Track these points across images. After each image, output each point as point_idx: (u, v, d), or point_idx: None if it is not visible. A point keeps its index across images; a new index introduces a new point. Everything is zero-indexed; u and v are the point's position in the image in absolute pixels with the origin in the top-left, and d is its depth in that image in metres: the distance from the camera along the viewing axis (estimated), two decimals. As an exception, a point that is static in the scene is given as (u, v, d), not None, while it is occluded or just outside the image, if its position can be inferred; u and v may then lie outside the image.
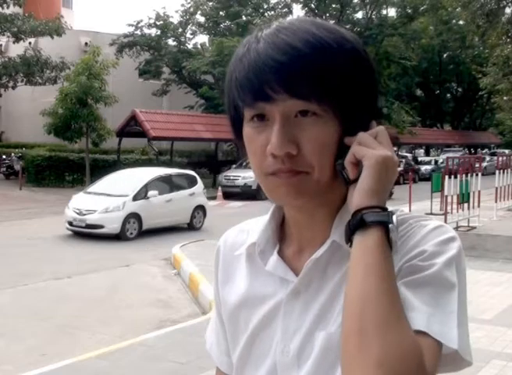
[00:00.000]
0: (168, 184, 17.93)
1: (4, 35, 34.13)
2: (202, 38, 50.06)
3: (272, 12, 43.20)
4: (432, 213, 16.24)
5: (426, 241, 1.05)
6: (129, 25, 40.63)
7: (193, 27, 43.54)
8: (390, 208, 1.05)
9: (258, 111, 1.06)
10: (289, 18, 1.10)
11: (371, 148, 1.03)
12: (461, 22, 48.65)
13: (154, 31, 41.11)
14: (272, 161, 1.05)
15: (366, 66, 1.09)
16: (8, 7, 32.96)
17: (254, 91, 1.04)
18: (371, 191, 1.01)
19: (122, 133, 29.00)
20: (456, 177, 13.44)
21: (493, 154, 50.72)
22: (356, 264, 0.98)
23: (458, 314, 1.01)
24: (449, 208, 13.26)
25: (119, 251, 13.78)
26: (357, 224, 1.00)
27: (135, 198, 16.37)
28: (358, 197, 1.02)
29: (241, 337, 1.21)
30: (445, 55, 55.71)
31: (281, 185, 1.07)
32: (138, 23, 40.57)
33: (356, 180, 1.04)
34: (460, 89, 60.83)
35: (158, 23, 40.72)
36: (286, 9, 43.60)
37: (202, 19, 43.22)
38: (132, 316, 8.87)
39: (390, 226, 0.99)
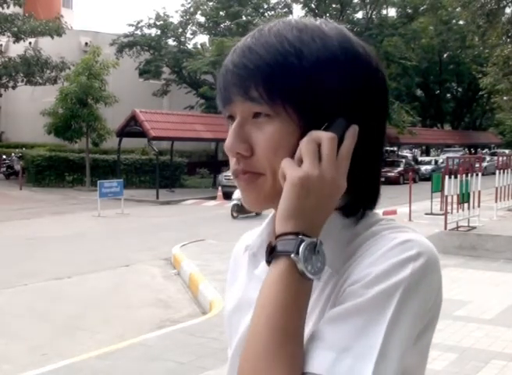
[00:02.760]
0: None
1: (4, 35, 34.18)
2: (202, 38, 50.16)
3: (272, 12, 43.22)
4: (432, 213, 16.28)
5: (382, 260, 0.94)
6: (130, 25, 40.70)
7: (194, 27, 43.62)
8: (374, 214, 1.05)
9: (228, 112, 1.06)
10: (287, 18, 1.07)
11: (292, 166, 0.96)
12: (461, 22, 48.62)
13: (154, 31, 41.19)
14: (232, 161, 1.05)
15: (348, 72, 1.01)
16: (8, 7, 33.00)
17: (221, 94, 1.05)
18: (285, 215, 0.94)
19: (122, 133, 29.00)
20: (456, 177, 13.44)
21: (493, 154, 50.78)
22: (259, 293, 0.94)
23: (382, 348, 0.89)
24: (449, 208, 13.25)
25: (119, 251, 13.77)
26: (268, 252, 0.95)
27: None
28: (277, 221, 0.96)
29: (233, 340, 1.19)
30: (445, 55, 55.72)
31: (243, 190, 1.05)
32: (138, 23, 40.63)
33: None
34: (460, 89, 60.86)
35: (158, 23, 40.76)
36: (286, 9, 43.65)
37: (202, 19, 43.28)
38: (132, 316, 8.87)
39: (292, 256, 0.91)
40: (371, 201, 1.09)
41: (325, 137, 0.96)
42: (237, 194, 17.18)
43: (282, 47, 0.99)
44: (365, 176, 1.06)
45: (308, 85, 0.98)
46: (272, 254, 0.94)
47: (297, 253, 0.91)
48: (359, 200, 1.06)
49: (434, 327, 1.04)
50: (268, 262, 0.95)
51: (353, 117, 1.00)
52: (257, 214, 15.41)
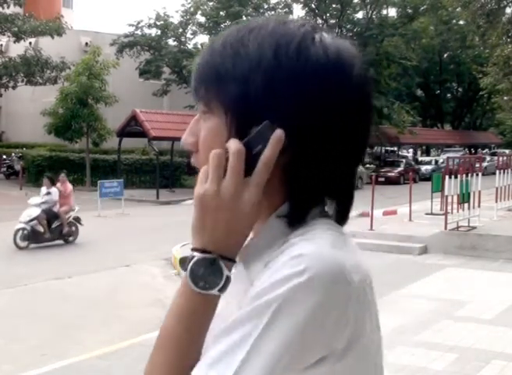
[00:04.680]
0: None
1: (4, 35, 34.16)
2: (202, 38, 50.10)
3: (273, 12, 43.20)
4: (432, 213, 16.27)
5: (273, 275, 0.90)
6: (130, 25, 40.66)
7: (194, 27, 43.55)
8: (317, 222, 0.99)
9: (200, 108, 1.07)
10: (252, 21, 1.04)
11: (200, 181, 0.96)
12: (461, 22, 48.59)
13: (154, 31, 41.14)
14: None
15: (288, 75, 0.96)
16: (8, 7, 32.99)
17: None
18: (192, 232, 0.95)
19: (123, 133, 29.01)
20: (456, 177, 13.45)
21: (494, 154, 50.73)
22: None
23: (241, 365, 0.86)
24: (449, 208, 13.26)
25: (119, 251, 13.77)
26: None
27: None
28: None
29: None
30: (445, 55, 55.74)
31: None
32: (138, 23, 40.60)
33: None
34: (460, 89, 60.88)
35: (158, 23, 40.73)
36: (286, 9, 43.63)
37: (202, 19, 43.22)
38: (132, 316, 8.87)
39: (183, 272, 0.94)
40: (320, 208, 1.03)
41: (231, 149, 0.93)
42: (26, 216, 14.46)
43: (223, 50, 1.00)
44: (310, 184, 0.99)
45: (241, 89, 0.96)
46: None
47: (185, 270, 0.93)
48: (301, 208, 1.00)
49: (352, 359, 0.92)
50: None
51: (294, 124, 0.95)
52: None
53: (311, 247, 0.91)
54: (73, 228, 15.29)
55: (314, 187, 1.00)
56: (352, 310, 0.90)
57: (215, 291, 0.93)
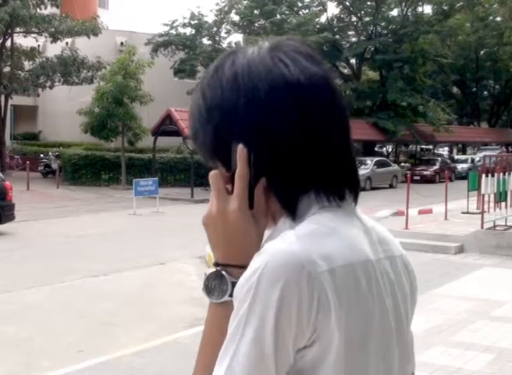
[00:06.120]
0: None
1: (42, 35, 34.62)
2: (236, 37, 50.13)
3: (307, 11, 43.10)
4: (468, 212, 16.09)
5: (242, 276, 1.01)
6: (165, 24, 40.94)
7: (228, 26, 43.67)
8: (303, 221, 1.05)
9: None
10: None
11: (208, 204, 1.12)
12: (498, 18, 48.01)
13: (188, 30, 41.36)
14: None
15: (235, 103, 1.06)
16: (45, 8, 33.43)
17: None
18: (211, 248, 1.11)
19: (158, 131, 29.17)
20: (493, 176, 13.27)
21: (531, 152, 49.94)
22: None
23: (230, 362, 0.96)
24: (486, 207, 13.09)
25: (154, 249, 13.87)
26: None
27: None
28: None
29: None
30: (482, 52, 54.94)
31: None
32: (173, 22, 40.83)
33: None
34: (497, 86, 59.99)
35: (192, 23, 40.92)
36: (320, 7, 43.44)
37: (236, 18, 43.29)
38: (166, 314, 8.93)
39: (202, 288, 1.08)
40: (320, 200, 1.08)
41: (209, 175, 1.09)
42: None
43: (198, 89, 1.12)
44: (286, 182, 1.07)
45: (202, 124, 1.10)
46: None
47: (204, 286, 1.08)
48: (286, 205, 1.08)
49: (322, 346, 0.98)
50: None
51: (250, 136, 1.05)
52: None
53: (272, 244, 1.00)
54: None
55: (290, 185, 1.06)
56: (312, 299, 0.95)
57: (226, 298, 1.04)
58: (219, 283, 1.06)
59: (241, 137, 1.05)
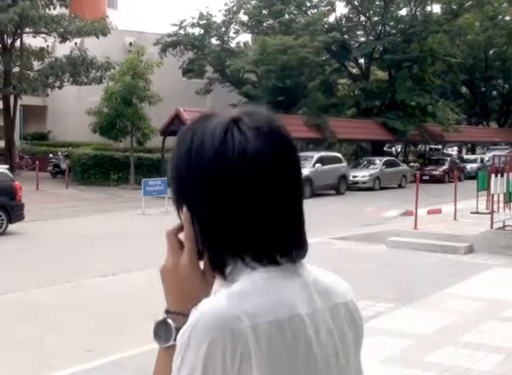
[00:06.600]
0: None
1: (51, 36, 34.71)
2: (245, 37, 50.06)
3: (315, 10, 43.04)
4: (477, 212, 16.04)
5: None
6: (173, 25, 40.92)
7: (236, 26, 43.66)
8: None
9: None
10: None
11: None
12: (508, 17, 47.87)
13: (197, 30, 41.34)
14: None
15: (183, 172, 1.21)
16: (54, 8, 33.49)
17: None
18: (165, 296, 1.24)
19: (167, 131, 29.21)
20: (502, 176, 13.23)
21: (541, 152, 49.70)
22: None
23: None
24: (495, 207, 13.05)
25: (163, 249, 13.83)
26: None
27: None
28: None
29: None
30: (491, 52, 54.72)
31: None
32: (182, 22, 40.83)
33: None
34: (506, 86, 59.72)
35: (201, 23, 40.92)
36: (329, 7, 43.35)
37: (245, 18, 43.28)
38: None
39: (153, 336, 1.23)
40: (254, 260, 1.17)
41: (165, 233, 1.25)
42: None
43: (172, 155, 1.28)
44: (213, 246, 1.19)
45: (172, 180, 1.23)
46: None
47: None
48: (215, 267, 1.20)
49: None
50: None
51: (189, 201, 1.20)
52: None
53: (204, 302, 1.11)
54: None
55: (217, 250, 1.18)
56: (235, 352, 1.06)
57: (172, 342, 1.17)
58: (165, 329, 1.19)
59: (186, 203, 1.20)
